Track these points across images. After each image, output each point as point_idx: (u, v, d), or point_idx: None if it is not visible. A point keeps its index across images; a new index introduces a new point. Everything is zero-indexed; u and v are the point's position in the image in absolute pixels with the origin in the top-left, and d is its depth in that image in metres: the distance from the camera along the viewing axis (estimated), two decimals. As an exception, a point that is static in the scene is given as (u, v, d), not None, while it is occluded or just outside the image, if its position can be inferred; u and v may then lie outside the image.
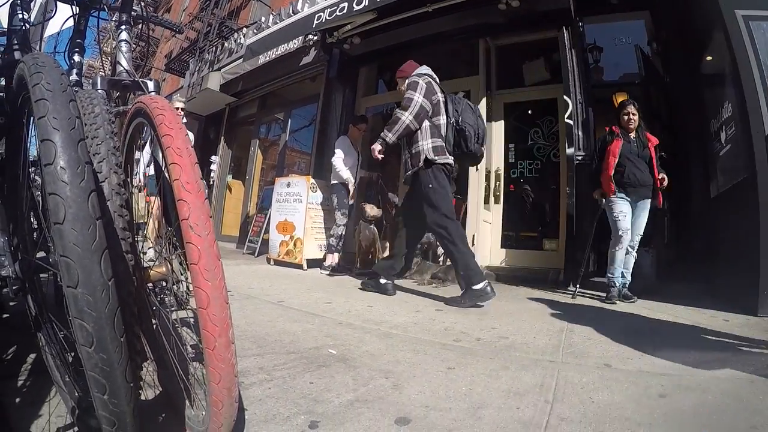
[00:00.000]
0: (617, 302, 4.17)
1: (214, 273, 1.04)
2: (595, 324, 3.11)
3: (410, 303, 3.90)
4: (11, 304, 2.60)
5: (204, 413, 1.25)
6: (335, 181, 6.33)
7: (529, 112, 7.01)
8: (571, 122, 5.57)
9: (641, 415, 1.62)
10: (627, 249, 4.37)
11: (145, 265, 1.44)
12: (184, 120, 4.77)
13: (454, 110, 4.26)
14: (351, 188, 6.35)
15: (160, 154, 1.21)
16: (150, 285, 1.47)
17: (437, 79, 4.46)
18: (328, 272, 5.97)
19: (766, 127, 3.50)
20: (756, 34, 3.73)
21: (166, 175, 1.14)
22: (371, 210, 6.29)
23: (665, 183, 4.35)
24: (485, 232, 6.55)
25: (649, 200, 4.44)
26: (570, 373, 2.08)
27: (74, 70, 1.96)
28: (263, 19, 9.86)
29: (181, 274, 1.40)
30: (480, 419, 1.59)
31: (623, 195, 4.40)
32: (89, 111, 1.33)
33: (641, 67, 6.22)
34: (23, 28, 1.80)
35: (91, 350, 0.88)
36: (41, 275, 1.65)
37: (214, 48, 11.90)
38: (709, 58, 4.60)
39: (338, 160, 6.26)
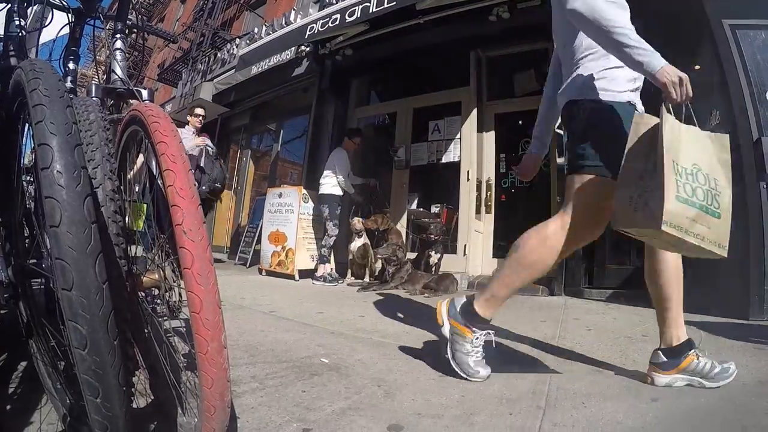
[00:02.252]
0: None
1: (207, 278, 1.04)
2: (586, 331, 3.13)
3: (403, 312, 3.90)
4: (1, 312, 2.60)
5: (196, 420, 1.24)
6: (326, 192, 6.33)
7: (520, 122, 7.06)
8: (561, 132, 5.61)
9: (633, 419, 1.63)
10: None
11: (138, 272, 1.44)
12: None
13: None
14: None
15: (154, 162, 1.22)
16: (142, 294, 1.47)
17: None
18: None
19: (754, 133, 3.55)
20: (743, 42, 3.80)
21: (160, 182, 1.15)
22: (358, 224, 6.31)
23: None
24: (476, 241, 6.58)
25: None
26: (562, 380, 2.09)
27: (69, 78, 1.96)
28: (256, 30, 9.90)
29: (174, 282, 1.40)
30: (473, 425, 1.59)
31: None
32: (84, 118, 1.34)
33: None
34: (19, 34, 1.80)
35: (84, 353, 0.88)
36: (33, 285, 1.65)
37: (206, 58, 11.94)
38: (697, 66, 4.66)
39: (338, 170, 6.32)
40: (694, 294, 4.21)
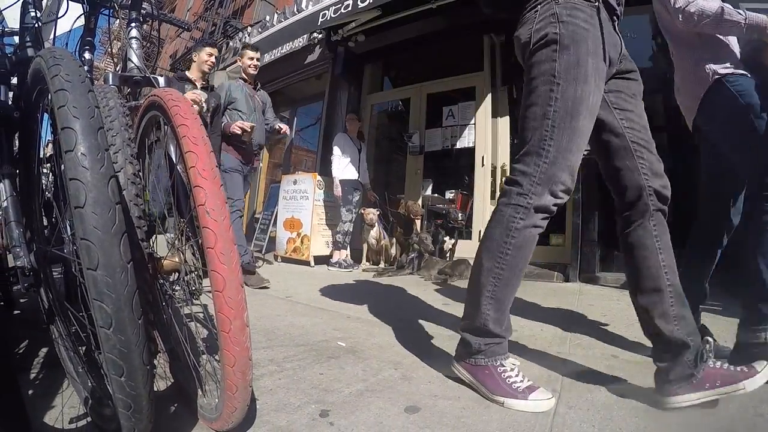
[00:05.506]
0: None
1: (230, 257, 1.06)
2: (602, 317, 3.12)
3: (418, 298, 3.91)
4: (21, 300, 2.65)
5: (216, 401, 1.26)
6: (340, 178, 6.34)
7: (535, 107, 6.99)
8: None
9: (649, 402, 1.63)
10: None
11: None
12: None
13: None
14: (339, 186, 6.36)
15: (173, 147, 1.23)
16: (162, 280, 1.49)
17: None
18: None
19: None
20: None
21: (179, 167, 1.16)
22: (368, 216, 6.31)
23: None
24: (492, 227, 6.54)
25: None
26: (577, 364, 2.09)
27: (85, 67, 1.98)
28: (268, 17, 9.88)
29: (194, 265, 1.42)
30: (489, 407, 1.60)
31: None
32: (104, 104, 1.36)
33: (645, 61, 6.19)
34: (35, 26, 1.82)
35: (109, 332, 0.90)
36: (53, 271, 1.67)
37: (218, 47, 11.91)
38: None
39: (335, 158, 6.37)
40: (710, 284, 4.17)
